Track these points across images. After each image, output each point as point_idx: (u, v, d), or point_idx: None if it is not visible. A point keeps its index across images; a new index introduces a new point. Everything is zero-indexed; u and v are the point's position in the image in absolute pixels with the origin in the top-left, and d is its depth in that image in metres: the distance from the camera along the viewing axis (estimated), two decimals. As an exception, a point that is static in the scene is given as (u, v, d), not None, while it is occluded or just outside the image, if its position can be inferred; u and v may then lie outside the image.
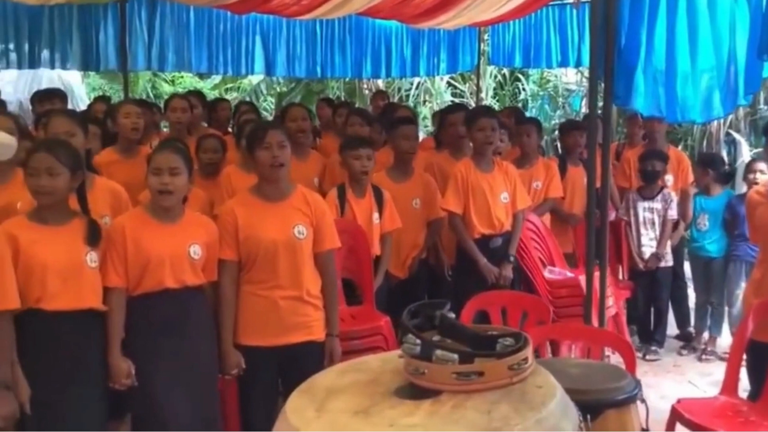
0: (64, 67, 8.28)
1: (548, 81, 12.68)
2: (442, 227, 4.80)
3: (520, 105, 11.88)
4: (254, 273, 3.32)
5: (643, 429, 2.73)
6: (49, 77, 10.89)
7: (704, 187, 5.81)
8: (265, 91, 13.83)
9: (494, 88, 12.90)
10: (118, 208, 3.53)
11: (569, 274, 5.10)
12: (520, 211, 4.69)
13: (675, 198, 5.69)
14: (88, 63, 8.08)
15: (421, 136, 6.92)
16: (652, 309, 5.82)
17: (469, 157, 4.68)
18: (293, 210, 3.38)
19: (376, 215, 4.40)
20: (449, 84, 13.02)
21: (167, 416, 3.09)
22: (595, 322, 4.32)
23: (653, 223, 5.64)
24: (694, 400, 3.76)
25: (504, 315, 3.97)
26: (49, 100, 5.75)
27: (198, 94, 7.11)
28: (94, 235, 3.04)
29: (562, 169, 5.58)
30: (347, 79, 12.42)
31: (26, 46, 7.65)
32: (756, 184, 4.97)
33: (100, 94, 11.61)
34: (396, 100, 11.64)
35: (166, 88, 14.41)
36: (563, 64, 9.51)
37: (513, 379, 1.88)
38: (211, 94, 12.67)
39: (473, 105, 9.72)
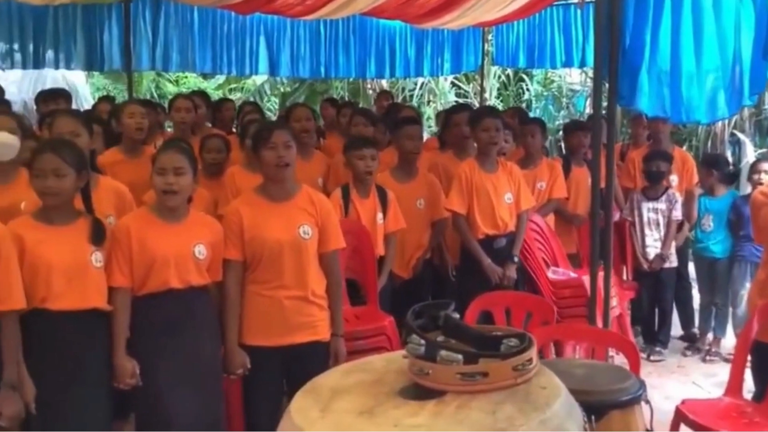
0: (68, 67, 8.29)
1: (552, 81, 12.67)
2: (446, 228, 4.80)
3: (524, 105, 11.89)
4: (259, 273, 3.32)
5: (647, 430, 2.74)
6: (53, 77, 10.90)
7: (709, 188, 5.80)
8: (268, 92, 13.83)
9: (498, 89, 12.89)
10: (122, 209, 3.54)
11: (573, 275, 5.10)
12: (524, 212, 4.69)
13: (679, 199, 5.68)
14: (93, 63, 8.10)
15: (425, 136, 6.91)
16: (657, 310, 5.81)
17: (474, 157, 4.68)
18: (298, 210, 3.38)
19: (380, 215, 4.40)
20: (453, 84, 13.02)
21: (171, 416, 3.09)
22: (599, 323, 4.32)
23: (658, 224, 5.63)
24: (698, 401, 3.76)
25: (508, 315, 3.97)
26: (54, 100, 5.75)
27: (202, 94, 7.10)
28: (98, 235, 3.04)
29: (566, 170, 5.58)
30: (351, 79, 12.42)
31: (31, 46, 7.66)
32: (761, 184, 4.96)
33: (105, 94, 11.64)
34: (400, 100, 11.65)
35: (170, 88, 14.43)
36: (567, 64, 9.50)
37: (517, 380, 1.88)
38: (215, 95, 12.69)
39: (477, 105, 9.71)
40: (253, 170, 4.17)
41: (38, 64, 7.88)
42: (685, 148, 8.23)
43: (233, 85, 14.84)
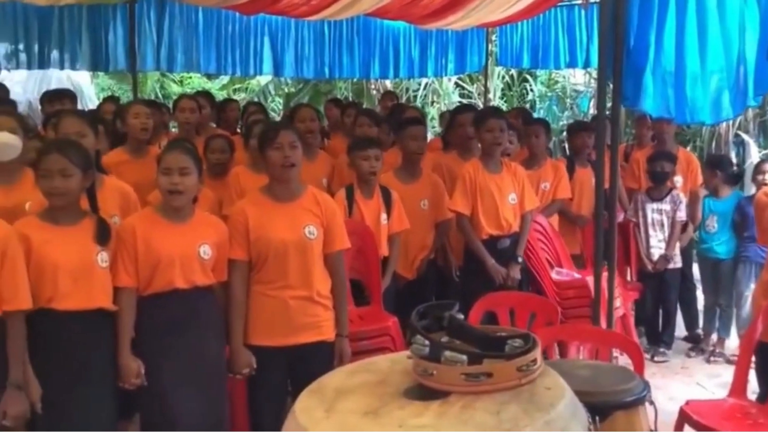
0: (73, 67, 8.31)
1: (556, 82, 12.67)
2: (450, 228, 4.80)
3: (527, 106, 11.88)
4: (264, 273, 3.32)
5: (651, 431, 2.73)
6: (58, 78, 10.94)
7: (713, 189, 5.79)
8: (273, 92, 13.86)
9: (502, 89, 12.89)
10: (126, 209, 3.55)
11: (577, 276, 5.10)
12: (528, 212, 4.69)
13: (684, 199, 5.68)
14: (98, 63, 8.11)
15: (429, 136, 6.91)
16: (661, 310, 5.80)
17: (478, 157, 4.68)
18: (304, 210, 3.38)
19: (384, 216, 4.41)
20: (457, 85, 13.02)
21: (176, 416, 3.09)
22: (603, 324, 4.32)
23: (662, 225, 5.63)
24: (702, 401, 3.75)
25: (512, 316, 3.97)
26: (59, 100, 5.76)
27: (206, 94, 7.13)
28: (104, 235, 3.05)
29: (570, 171, 5.57)
30: (355, 80, 12.43)
31: (36, 47, 7.67)
32: (765, 185, 4.96)
33: (109, 94, 11.66)
34: (404, 100, 11.64)
35: (175, 89, 14.45)
36: (571, 65, 9.50)
37: (522, 381, 1.88)
38: (219, 95, 12.70)
39: (481, 106, 9.72)
40: (257, 170, 4.18)
41: (43, 64, 7.90)
42: (689, 148, 8.23)
43: (237, 86, 14.86)
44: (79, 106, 7.82)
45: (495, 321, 3.90)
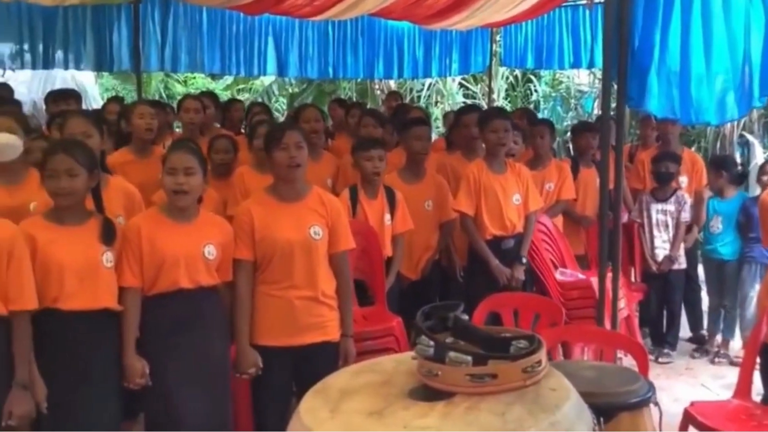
0: (77, 67, 8.32)
1: (560, 82, 12.65)
2: (454, 229, 4.80)
3: (531, 106, 11.86)
4: (269, 273, 3.32)
5: (656, 432, 2.73)
6: (62, 78, 10.94)
7: (718, 190, 5.78)
8: (277, 92, 13.85)
9: (506, 90, 12.88)
10: (131, 209, 3.55)
11: (581, 276, 5.09)
12: (533, 213, 4.69)
13: (689, 200, 5.66)
14: (102, 64, 8.12)
15: (433, 137, 6.91)
16: (665, 311, 5.79)
17: (482, 158, 4.68)
18: (309, 211, 3.39)
19: (387, 216, 4.41)
20: (461, 85, 13.01)
21: (180, 416, 3.10)
22: (607, 325, 4.31)
23: (666, 226, 5.62)
24: (707, 403, 3.75)
25: (516, 317, 3.97)
26: (65, 100, 5.77)
27: (211, 94, 7.13)
28: (109, 235, 3.05)
29: (574, 171, 5.57)
30: (359, 80, 12.43)
31: (40, 47, 7.68)
32: (770, 186, 4.95)
33: (114, 94, 11.67)
34: (407, 101, 11.64)
35: (179, 89, 14.46)
36: (576, 65, 9.49)
37: (527, 382, 1.88)
38: (223, 95, 12.71)
39: (485, 106, 9.71)
40: (261, 171, 4.18)
41: (48, 64, 7.91)
42: (693, 149, 8.21)
43: (241, 86, 14.87)
44: (84, 106, 7.82)
45: (499, 322, 3.90)
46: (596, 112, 10.75)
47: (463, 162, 4.96)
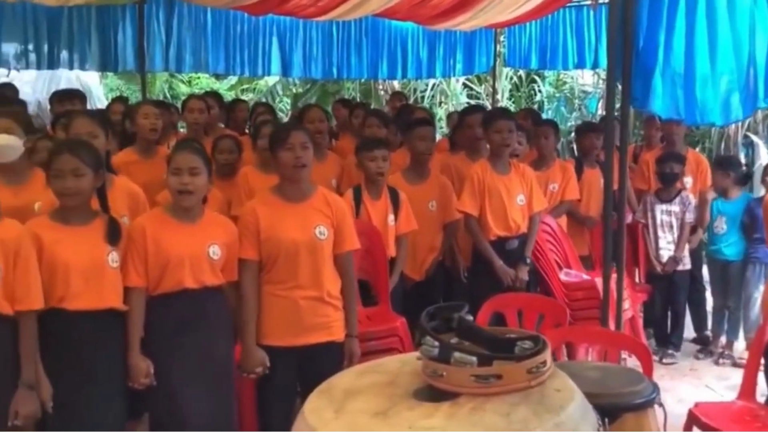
0: (82, 67, 8.33)
1: (564, 83, 12.63)
2: (458, 229, 4.80)
3: (535, 107, 11.86)
4: (275, 273, 3.33)
5: (660, 433, 2.73)
6: (67, 78, 10.97)
7: (722, 190, 5.76)
8: (281, 92, 13.87)
9: (510, 90, 12.87)
10: (135, 209, 3.56)
11: (585, 277, 5.09)
12: (537, 213, 4.69)
13: (693, 201, 5.66)
14: (107, 64, 8.13)
15: (437, 137, 6.92)
16: (669, 312, 5.79)
17: (486, 158, 4.68)
18: (314, 211, 3.39)
19: (391, 217, 4.41)
20: (465, 85, 13.01)
21: (185, 416, 3.10)
22: (611, 325, 4.31)
23: (671, 226, 5.61)
24: (711, 404, 3.75)
25: (520, 317, 3.97)
26: (69, 100, 5.77)
27: (215, 94, 7.15)
28: (114, 234, 3.06)
29: (578, 172, 5.56)
30: (363, 80, 12.43)
31: (45, 47, 7.69)
32: (774, 186, 4.94)
33: (118, 94, 11.70)
34: (411, 101, 11.65)
35: (183, 89, 14.48)
36: (580, 65, 9.48)
37: (532, 383, 1.88)
38: (228, 95, 12.73)
39: (489, 107, 9.71)
40: (266, 171, 4.19)
41: (52, 64, 7.91)
42: (697, 150, 8.19)
43: (245, 86, 14.88)
44: (88, 107, 7.84)
45: (503, 322, 3.90)
46: (600, 112, 10.73)
47: (467, 162, 4.96)
